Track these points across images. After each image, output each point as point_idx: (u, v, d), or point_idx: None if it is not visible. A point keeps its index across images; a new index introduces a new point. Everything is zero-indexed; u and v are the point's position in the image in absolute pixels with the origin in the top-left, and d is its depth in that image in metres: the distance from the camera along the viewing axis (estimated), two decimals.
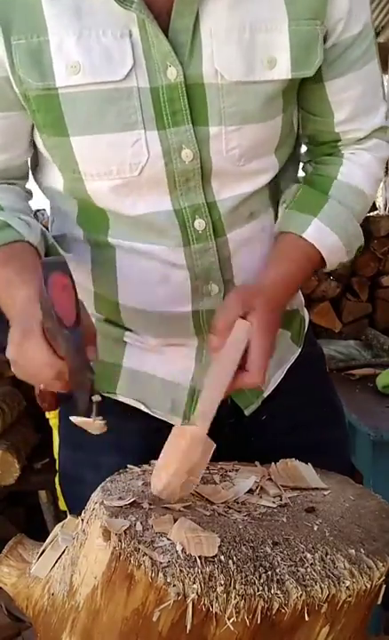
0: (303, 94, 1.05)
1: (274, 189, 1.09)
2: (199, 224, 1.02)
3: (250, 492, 0.93)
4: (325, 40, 0.99)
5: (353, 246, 1.10)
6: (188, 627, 0.72)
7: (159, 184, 0.99)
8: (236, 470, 0.99)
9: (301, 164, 1.17)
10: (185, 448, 0.87)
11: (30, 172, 1.12)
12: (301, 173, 1.17)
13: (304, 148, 1.17)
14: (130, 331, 1.12)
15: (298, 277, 1.06)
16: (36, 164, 1.10)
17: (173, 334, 1.09)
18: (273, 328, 0.96)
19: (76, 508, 0.90)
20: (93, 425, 0.86)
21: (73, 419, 0.87)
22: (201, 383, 1.09)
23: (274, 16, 0.94)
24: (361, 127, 1.08)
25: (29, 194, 1.13)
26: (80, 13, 0.91)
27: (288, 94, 1.01)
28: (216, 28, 0.93)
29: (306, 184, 1.11)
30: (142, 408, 1.13)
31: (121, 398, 1.14)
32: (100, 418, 0.85)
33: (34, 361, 0.85)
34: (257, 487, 0.94)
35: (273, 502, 0.90)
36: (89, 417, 0.85)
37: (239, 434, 1.11)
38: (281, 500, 0.91)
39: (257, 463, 1.01)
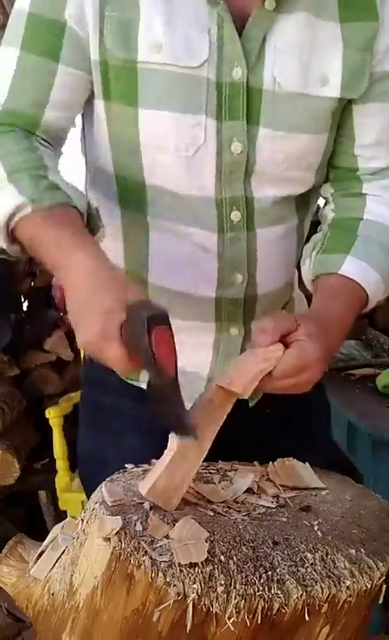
0: None
1: (303, 201, 1.15)
2: (235, 215, 1.08)
3: (250, 491, 0.93)
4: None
5: None
6: (188, 627, 0.72)
7: (208, 169, 1.05)
8: (235, 470, 0.98)
9: (321, 201, 1.20)
10: (172, 461, 0.86)
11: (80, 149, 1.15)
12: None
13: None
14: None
15: (347, 313, 1.03)
16: (87, 134, 1.12)
17: (194, 317, 1.12)
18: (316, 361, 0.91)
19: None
20: None
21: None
22: (218, 374, 1.10)
23: (332, 43, 1.05)
24: (381, 156, 1.12)
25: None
26: (171, 1, 0.99)
27: (335, 116, 1.09)
28: (281, 44, 1.02)
29: (332, 228, 1.14)
30: None
31: (143, 385, 1.15)
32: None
33: (110, 360, 0.86)
34: (255, 487, 0.94)
35: (272, 502, 0.90)
36: (184, 431, 0.86)
37: (243, 425, 1.12)
38: (278, 499, 0.91)
39: (255, 463, 1.01)
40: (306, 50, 1.03)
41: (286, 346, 0.89)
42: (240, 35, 1.01)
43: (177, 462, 0.86)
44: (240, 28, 1.01)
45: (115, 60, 1.01)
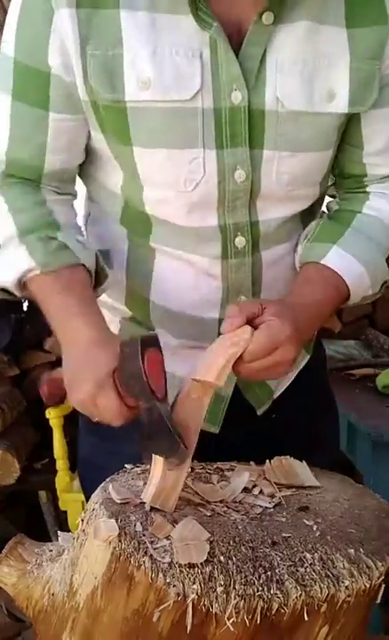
0: None
1: (309, 213, 1.12)
2: (239, 241, 1.05)
3: (248, 490, 0.93)
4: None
5: (378, 279, 1.08)
6: (188, 627, 0.72)
7: (210, 200, 1.02)
8: (233, 470, 0.99)
9: (327, 199, 1.19)
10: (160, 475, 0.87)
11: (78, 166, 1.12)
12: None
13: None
14: (152, 330, 1.13)
15: (321, 301, 1.03)
16: (90, 160, 1.09)
17: (197, 337, 1.11)
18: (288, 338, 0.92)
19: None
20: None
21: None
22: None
23: (337, 53, 0.98)
24: (387, 163, 1.09)
25: (74, 196, 1.13)
26: (155, 30, 0.93)
27: (341, 129, 1.04)
28: (282, 60, 0.96)
29: (328, 218, 1.13)
30: None
31: None
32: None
33: (106, 411, 0.89)
34: (253, 486, 0.94)
35: (270, 502, 0.90)
36: (178, 455, 0.86)
37: (251, 432, 1.13)
38: (274, 498, 0.91)
39: (252, 463, 1.01)
40: (310, 63, 0.97)
41: (255, 328, 0.90)
42: (237, 54, 0.95)
43: (167, 464, 0.86)
44: (236, 47, 0.95)
45: (103, 101, 0.96)
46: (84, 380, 0.89)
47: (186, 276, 1.08)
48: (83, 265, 1.00)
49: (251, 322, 0.90)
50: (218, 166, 0.99)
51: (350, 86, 0.99)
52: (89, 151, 1.07)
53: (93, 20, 0.93)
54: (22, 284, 1.00)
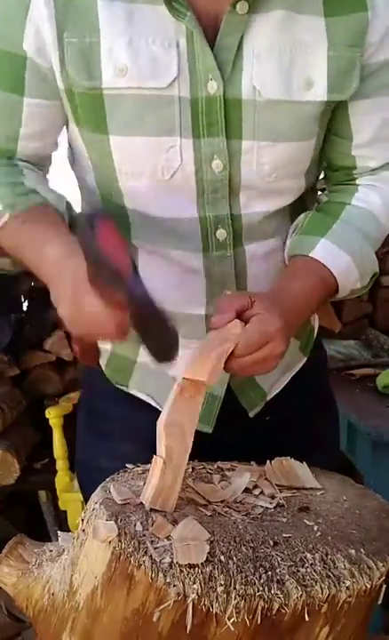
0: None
1: (297, 209, 1.10)
2: (220, 234, 1.04)
3: (248, 491, 0.93)
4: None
5: (367, 271, 1.07)
6: (188, 627, 0.72)
7: (188, 190, 1.01)
8: (234, 470, 0.99)
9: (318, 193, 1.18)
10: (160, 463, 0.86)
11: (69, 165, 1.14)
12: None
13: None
14: None
15: (309, 293, 1.02)
16: (73, 157, 1.11)
17: (184, 335, 1.09)
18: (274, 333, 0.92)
19: (91, 494, 0.90)
20: None
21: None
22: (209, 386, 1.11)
23: (315, 41, 0.97)
24: (377, 156, 1.08)
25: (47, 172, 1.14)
26: (132, 20, 0.94)
27: (323, 118, 1.03)
28: (258, 49, 0.96)
29: (317, 210, 1.11)
30: (152, 403, 1.15)
31: (133, 392, 1.17)
32: None
33: (93, 316, 0.85)
34: (254, 486, 0.94)
35: (271, 503, 0.89)
36: (170, 358, 0.84)
37: (244, 434, 1.12)
38: (274, 499, 0.91)
39: (253, 463, 1.01)
40: (287, 52, 0.96)
41: (245, 322, 0.89)
42: (213, 43, 0.95)
43: (165, 463, 0.86)
44: (213, 36, 0.95)
45: (79, 88, 0.97)
46: (64, 293, 0.87)
47: (168, 273, 1.07)
48: (54, 207, 1.01)
49: (240, 315, 0.90)
50: (195, 155, 0.99)
51: (328, 74, 0.98)
52: (70, 142, 1.08)
53: (70, 8, 0.94)
54: None
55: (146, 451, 0.95)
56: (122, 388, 1.17)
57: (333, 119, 1.06)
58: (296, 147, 1.02)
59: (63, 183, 1.15)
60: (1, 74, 0.99)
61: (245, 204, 1.04)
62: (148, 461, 0.89)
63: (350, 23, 0.98)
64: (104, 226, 0.82)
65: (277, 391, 1.18)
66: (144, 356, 1.14)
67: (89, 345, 1.14)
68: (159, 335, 0.85)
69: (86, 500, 1.12)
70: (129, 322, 0.85)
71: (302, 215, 1.10)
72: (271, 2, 0.95)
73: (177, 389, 0.88)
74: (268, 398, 1.17)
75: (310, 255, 1.03)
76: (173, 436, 0.86)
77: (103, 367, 1.18)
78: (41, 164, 1.10)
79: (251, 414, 1.15)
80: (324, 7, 0.97)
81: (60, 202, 1.04)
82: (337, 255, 1.03)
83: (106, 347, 1.17)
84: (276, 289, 1.01)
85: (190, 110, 0.97)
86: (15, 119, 1.02)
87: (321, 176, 1.17)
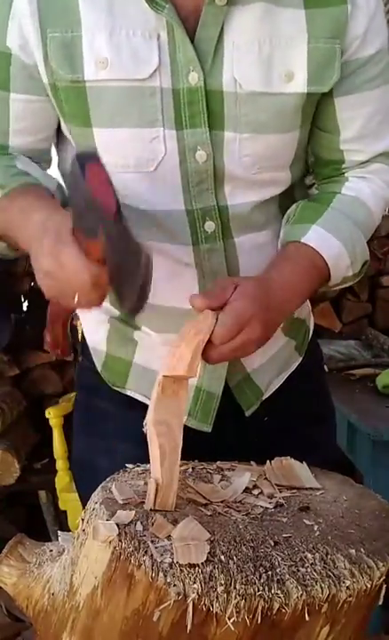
0: (316, 109, 1.06)
1: (287, 201, 1.10)
2: (209, 226, 1.04)
3: (248, 491, 0.93)
4: (341, 56, 1.00)
5: (358, 258, 1.08)
6: (189, 627, 0.72)
7: (173, 182, 1.02)
8: (234, 469, 0.99)
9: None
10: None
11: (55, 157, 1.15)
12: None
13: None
14: (139, 329, 1.13)
15: (299, 278, 1.02)
16: (62, 150, 1.11)
17: (178, 330, 1.10)
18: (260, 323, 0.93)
19: (88, 494, 0.90)
20: None
21: None
22: (207, 384, 1.11)
23: (295, 33, 0.98)
24: (365, 149, 1.09)
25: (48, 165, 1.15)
26: (113, 12, 0.95)
27: (306, 111, 1.03)
28: (238, 41, 0.96)
29: (308, 200, 1.12)
30: (148, 403, 1.14)
31: (129, 393, 1.17)
32: None
33: (69, 267, 0.84)
34: (253, 486, 0.94)
35: (270, 503, 0.90)
36: (139, 309, 0.84)
37: (241, 434, 1.12)
38: (273, 499, 0.91)
39: (252, 463, 1.01)
40: (267, 44, 0.97)
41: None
42: (194, 35, 0.96)
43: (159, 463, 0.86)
44: (193, 28, 0.96)
45: (62, 82, 0.98)
46: (44, 247, 0.86)
47: (160, 267, 1.05)
48: (44, 187, 1.02)
49: (224, 304, 0.91)
50: (179, 145, 0.99)
51: (308, 66, 0.98)
52: (59, 138, 1.09)
53: (52, 4, 0.96)
54: None
55: (141, 449, 0.95)
56: (118, 389, 1.17)
57: (320, 114, 1.06)
58: (277, 139, 1.02)
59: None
60: None
61: (231, 196, 1.04)
62: (144, 460, 0.89)
63: (330, 15, 0.98)
64: (93, 166, 0.82)
65: (273, 389, 1.18)
66: (140, 358, 1.15)
67: (60, 335, 1.14)
68: (134, 286, 0.84)
69: (81, 498, 1.12)
70: (106, 276, 0.83)
71: (293, 205, 1.11)
72: None
73: (158, 388, 0.88)
74: (264, 397, 1.17)
75: (301, 241, 1.03)
76: (163, 435, 0.86)
77: (99, 369, 1.18)
78: (38, 157, 1.10)
79: (248, 413, 1.15)
80: (304, 0, 0.97)
81: (51, 182, 1.05)
82: (327, 240, 1.03)
83: (101, 348, 1.17)
84: (265, 273, 1.01)
85: (172, 101, 0.97)
86: (5, 115, 1.04)
87: (311, 172, 1.17)
